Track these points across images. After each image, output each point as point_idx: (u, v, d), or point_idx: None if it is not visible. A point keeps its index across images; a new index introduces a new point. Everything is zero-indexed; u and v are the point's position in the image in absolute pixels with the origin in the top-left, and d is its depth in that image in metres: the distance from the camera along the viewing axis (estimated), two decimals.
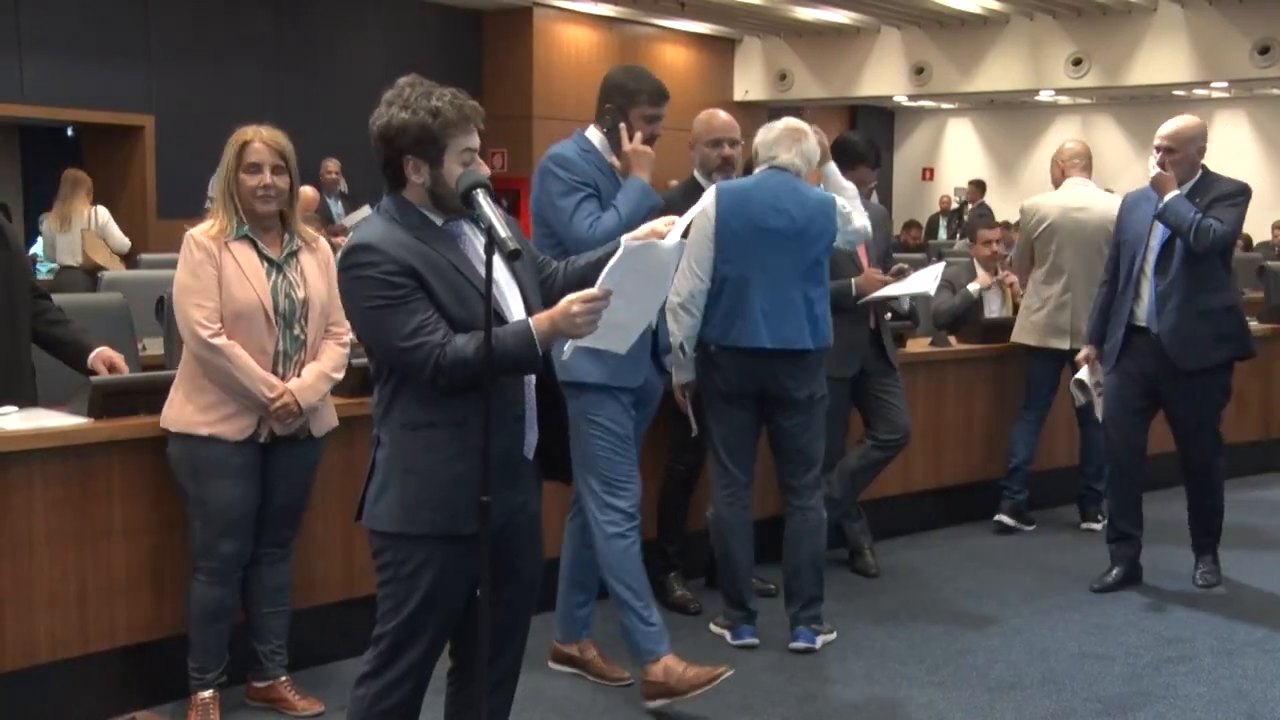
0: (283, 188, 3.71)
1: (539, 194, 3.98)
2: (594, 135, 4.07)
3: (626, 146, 3.98)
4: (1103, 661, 4.48)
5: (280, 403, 3.66)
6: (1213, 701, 4.11)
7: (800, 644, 4.50)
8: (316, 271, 3.79)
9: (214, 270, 3.61)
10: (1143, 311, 5.06)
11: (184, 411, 3.66)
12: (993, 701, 4.10)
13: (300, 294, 3.75)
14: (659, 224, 2.86)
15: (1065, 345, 5.94)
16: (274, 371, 3.68)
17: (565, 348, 2.84)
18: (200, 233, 3.67)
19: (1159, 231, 5.02)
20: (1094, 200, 6.09)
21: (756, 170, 4.49)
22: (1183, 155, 4.95)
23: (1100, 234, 5.84)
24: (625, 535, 3.97)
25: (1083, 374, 5.36)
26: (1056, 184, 6.21)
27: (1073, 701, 4.12)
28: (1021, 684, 4.26)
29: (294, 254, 3.77)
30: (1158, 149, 4.98)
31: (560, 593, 4.28)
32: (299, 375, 3.74)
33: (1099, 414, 5.35)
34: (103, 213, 9.04)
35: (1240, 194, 4.99)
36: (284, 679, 3.95)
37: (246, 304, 3.63)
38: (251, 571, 3.83)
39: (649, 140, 4.03)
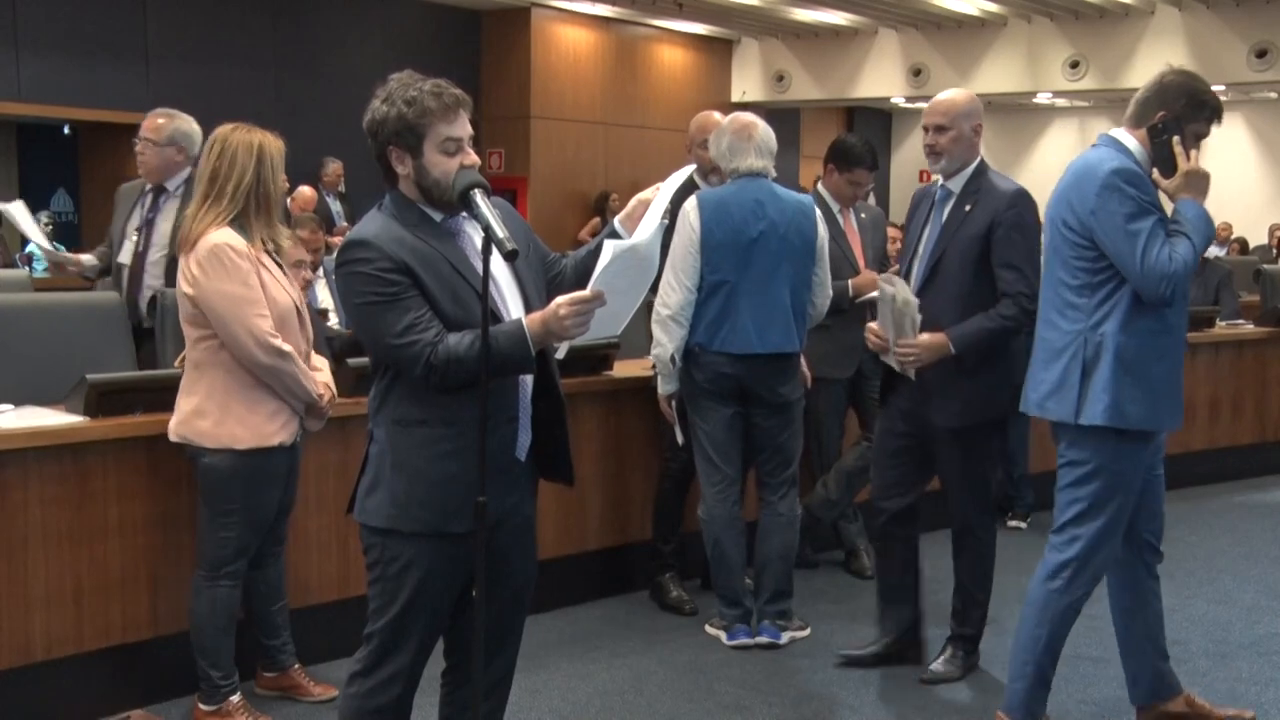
0: None
1: (1094, 210, 3.43)
2: (1130, 142, 3.53)
3: (1185, 165, 3.44)
4: (1097, 664, 4.48)
5: (327, 397, 3.74)
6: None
7: (764, 638, 4.52)
8: None
9: (257, 278, 3.59)
10: None
11: (247, 426, 3.59)
12: (988, 703, 4.10)
13: (297, 294, 3.78)
14: (646, 193, 2.86)
15: None
16: None
17: (561, 349, 2.84)
18: (231, 242, 3.57)
19: (928, 240, 4.16)
20: None
21: (728, 180, 4.54)
22: (958, 133, 4.09)
23: None
24: (1077, 593, 3.63)
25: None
26: None
27: (1067, 703, 4.13)
28: None
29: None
30: (927, 129, 4.13)
31: (1130, 652, 3.87)
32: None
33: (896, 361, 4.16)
34: None
35: (1026, 226, 4.04)
36: (296, 667, 4.00)
37: (285, 307, 3.65)
38: (257, 572, 3.86)
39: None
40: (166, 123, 5.11)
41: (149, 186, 5.17)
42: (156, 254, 5.06)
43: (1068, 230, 3.51)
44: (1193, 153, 3.47)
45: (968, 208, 4.07)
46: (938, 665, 4.33)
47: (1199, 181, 3.45)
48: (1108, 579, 3.80)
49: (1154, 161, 3.48)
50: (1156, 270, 3.36)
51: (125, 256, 5.12)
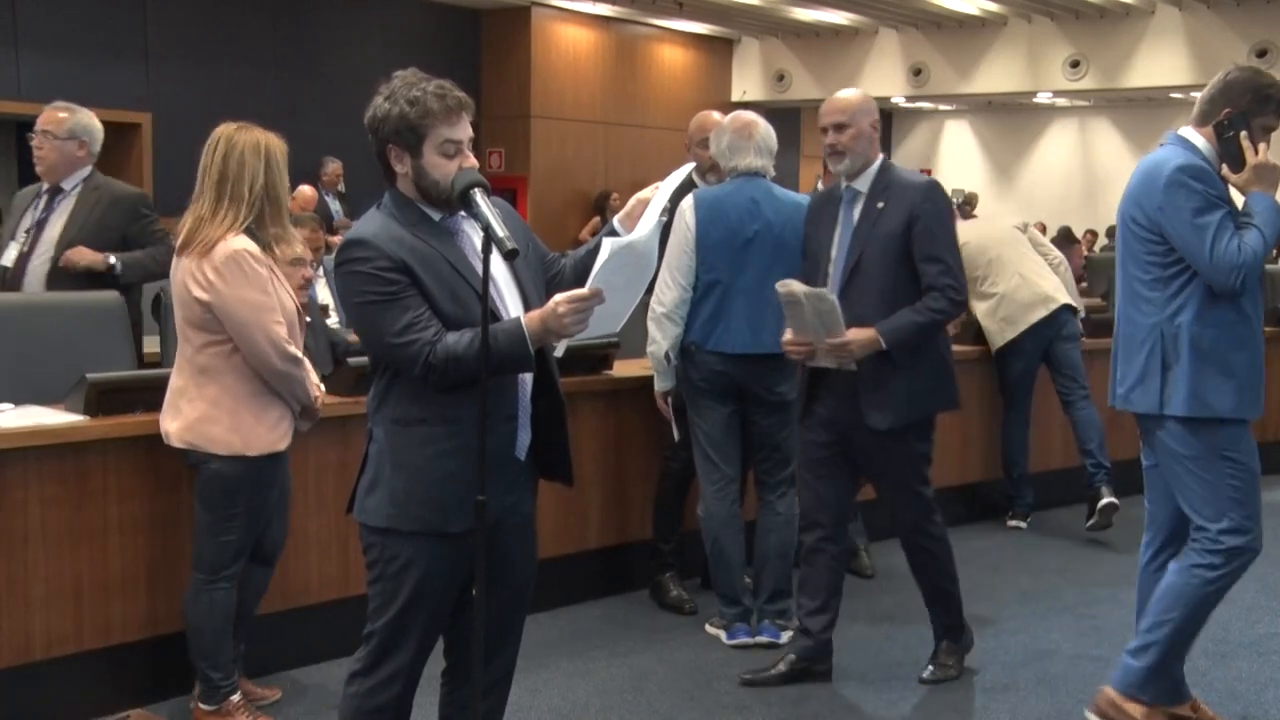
0: None
1: (1161, 206, 3.48)
2: (1198, 140, 3.58)
3: (1254, 159, 3.48)
4: (1097, 663, 4.48)
5: (321, 398, 3.75)
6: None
7: (764, 638, 4.52)
8: None
9: (272, 285, 3.58)
10: None
11: (259, 431, 3.59)
12: (987, 703, 4.11)
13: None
14: (645, 192, 2.87)
15: (1052, 306, 6.07)
16: None
17: (559, 347, 2.84)
18: (251, 249, 3.54)
19: (841, 242, 4.06)
20: (986, 220, 7.04)
21: (726, 179, 4.54)
22: (857, 131, 4.00)
23: (1009, 232, 6.32)
24: (1219, 583, 3.58)
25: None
26: None
27: (1067, 703, 4.13)
28: (1016, 686, 4.26)
29: None
30: (825, 129, 4.04)
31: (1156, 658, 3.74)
32: None
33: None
34: None
35: (943, 217, 4.00)
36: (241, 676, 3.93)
37: (292, 313, 3.65)
38: (264, 567, 3.88)
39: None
40: (68, 116, 4.89)
41: (45, 188, 4.94)
42: (40, 259, 4.79)
43: (1137, 227, 3.57)
44: (1260, 146, 3.51)
45: (880, 205, 3.99)
46: (935, 666, 4.29)
47: (1269, 174, 3.49)
48: (1145, 582, 3.79)
49: (1222, 157, 3.53)
50: (1225, 261, 3.41)
51: (8, 259, 4.84)
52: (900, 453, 4.08)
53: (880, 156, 4.09)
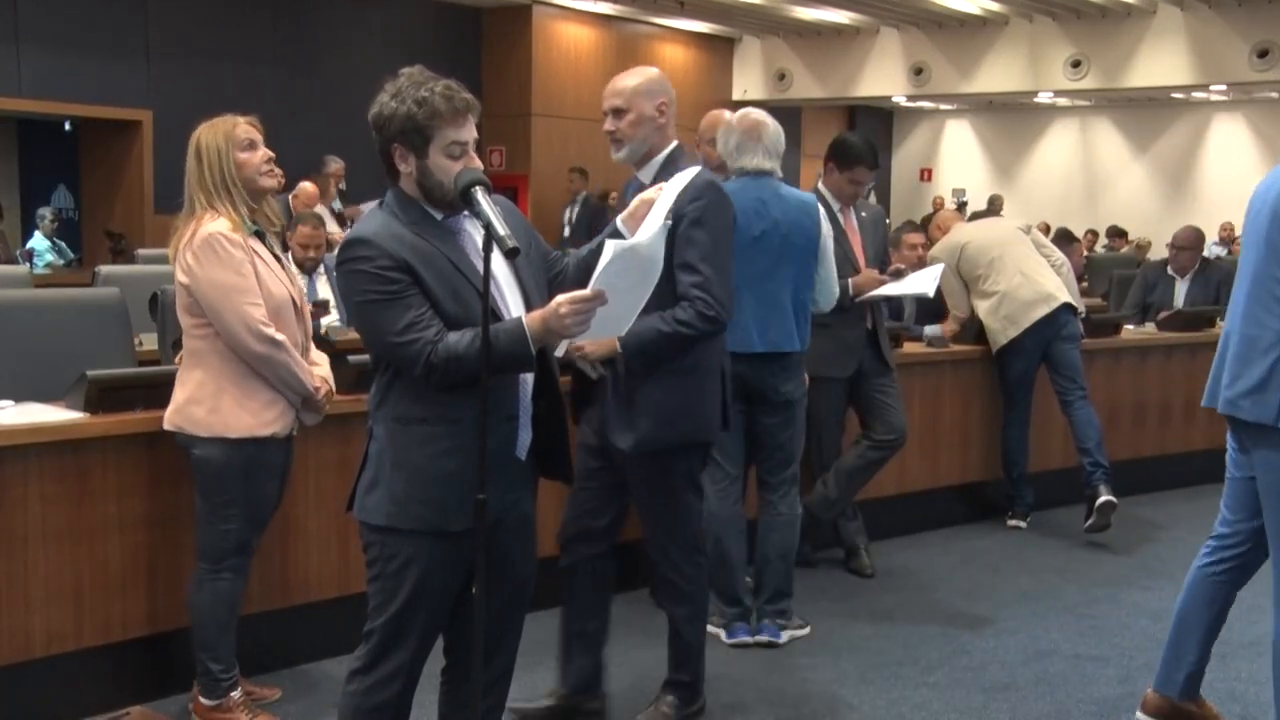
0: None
1: None
2: None
3: None
4: (1097, 663, 4.49)
5: (324, 391, 3.72)
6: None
7: (764, 637, 4.52)
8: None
9: (251, 268, 3.56)
10: None
11: (240, 414, 3.57)
12: (987, 702, 4.11)
13: (299, 284, 3.77)
14: (649, 193, 2.87)
15: (1054, 304, 6.08)
16: None
17: (560, 347, 2.84)
18: (224, 231, 3.53)
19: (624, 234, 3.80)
20: (989, 222, 7.01)
21: (732, 179, 4.52)
22: (637, 116, 3.65)
23: (1012, 231, 6.40)
24: None
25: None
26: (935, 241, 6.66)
27: (1067, 703, 4.13)
28: (1016, 685, 4.26)
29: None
30: (606, 113, 3.72)
31: (1185, 651, 3.73)
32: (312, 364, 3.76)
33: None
34: None
35: (710, 222, 3.55)
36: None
37: (281, 299, 3.62)
38: None
39: None
40: None
41: None
42: None
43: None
44: None
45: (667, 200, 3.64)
46: (644, 716, 3.84)
47: None
48: (1197, 581, 3.71)
49: None
50: None
51: None
52: (651, 478, 3.65)
53: (672, 145, 3.71)
